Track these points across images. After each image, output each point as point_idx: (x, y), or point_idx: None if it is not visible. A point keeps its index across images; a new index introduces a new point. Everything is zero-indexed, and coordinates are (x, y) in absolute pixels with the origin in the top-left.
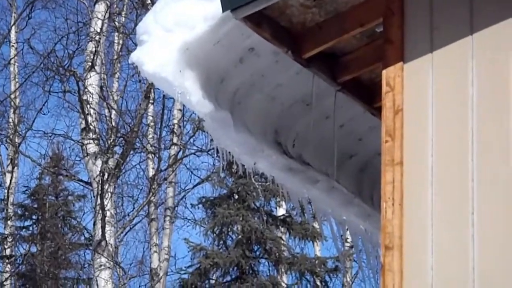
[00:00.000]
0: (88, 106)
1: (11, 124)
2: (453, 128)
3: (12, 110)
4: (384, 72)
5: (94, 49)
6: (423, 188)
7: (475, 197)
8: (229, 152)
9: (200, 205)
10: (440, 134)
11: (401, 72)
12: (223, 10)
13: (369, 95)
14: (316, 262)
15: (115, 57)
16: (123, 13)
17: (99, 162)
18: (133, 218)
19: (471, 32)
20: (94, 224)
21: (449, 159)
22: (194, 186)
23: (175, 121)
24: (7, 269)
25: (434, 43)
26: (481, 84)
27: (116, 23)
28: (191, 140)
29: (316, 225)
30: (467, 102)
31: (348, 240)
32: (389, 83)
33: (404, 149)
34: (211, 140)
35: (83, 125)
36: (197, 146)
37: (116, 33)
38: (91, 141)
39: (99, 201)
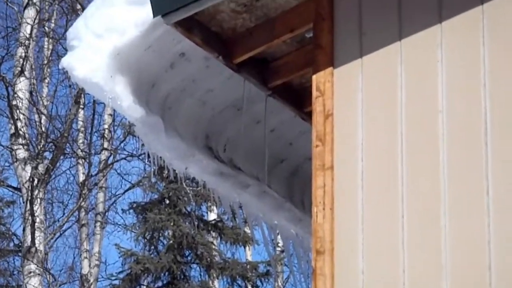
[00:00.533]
0: (18, 111)
1: None
2: (382, 133)
3: None
4: (314, 77)
5: (23, 54)
6: (354, 193)
7: (405, 200)
8: (160, 157)
9: (131, 210)
10: (370, 139)
11: (331, 77)
12: (154, 16)
13: (299, 100)
14: (248, 266)
15: (45, 62)
16: (53, 18)
17: (28, 168)
18: (63, 224)
19: (399, 37)
20: (24, 230)
21: (379, 164)
22: (125, 191)
23: (106, 126)
24: None
25: (363, 48)
26: (410, 89)
27: (46, 28)
28: (122, 145)
29: (247, 229)
30: (396, 106)
31: (280, 245)
32: (319, 88)
33: (334, 154)
34: (142, 145)
35: (12, 131)
36: (127, 151)
37: (46, 38)
38: (21, 146)
39: (28, 207)
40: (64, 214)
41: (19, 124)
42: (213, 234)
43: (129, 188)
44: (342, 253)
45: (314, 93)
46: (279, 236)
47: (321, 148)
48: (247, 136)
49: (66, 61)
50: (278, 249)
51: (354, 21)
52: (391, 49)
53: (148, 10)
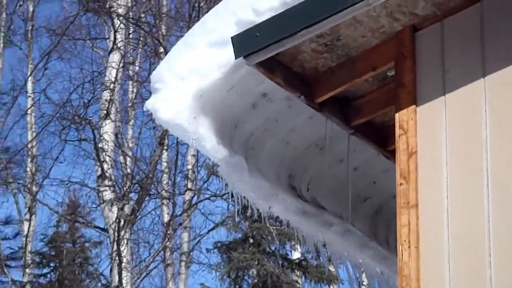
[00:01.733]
0: (104, 153)
1: (29, 173)
2: (468, 170)
3: (29, 159)
4: (397, 115)
5: (109, 98)
6: (439, 231)
7: (491, 239)
8: (244, 197)
9: (215, 250)
10: (455, 177)
11: (414, 115)
12: (236, 57)
13: (382, 138)
14: None
15: (130, 105)
16: (136, 62)
17: (115, 209)
18: (149, 264)
19: (483, 74)
20: (111, 270)
21: (464, 202)
22: (209, 230)
23: (189, 167)
24: None
25: (446, 86)
26: (495, 126)
27: (130, 71)
28: (205, 185)
29: (331, 268)
30: (482, 144)
31: (364, 283)
32: (402, 126)
33: (419, 192)
34: (226, 185)
35: (99, 173)
36: (211, 191)
37: (130, 82)
38: (107, 188)
39: (115, 248)
40: (150, 254)
41: (105, 166)
42: (298, 273)
43: (213, 228)
44: None
45: (398, 131)
46: (364, 275)
47: (405, 186)
48: (330, 175)
49: (150, 104)
50: (363, 287)
51: (437, 58)
52: (475, 87)
53: (230, 51)
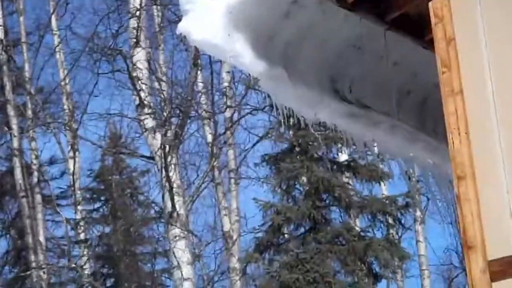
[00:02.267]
0: (139, 82)
1: (66, 110)
2: (508, 50)
3: (65, 97)
4: (430, 4)
5: (136, 25)
6: (487, 114)
7: None
8: (289, 107)
9: (264, 163)
10: (496, 58)
11: (447, 2)
12: None
13: (418, 29)
14: (386, 201)
15: (157, 29)
16: None
17: (158, 136)
18: (200, 186)
19: None
20: (163, 197)
21: (509, 81)
22: (254, 144)
23: (226, 84)
24: (84, 252)
25: None
26: None
27: None
28: (244, 100)
29: (380, 165)
30: None
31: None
32: (437, 14)
33: (462, 78)
34: (266, 97)
35: (137, 102)
36: (251, 105)
37: (155, 6)
38: (147, 116)
39: (164, 174)
40: (198, 175)
41: (142, 94)
42: (347, 174)
43: (258, 141)
44: (483, 175)
45: (433, 20)
46: (416, 167)
47: (448, 73)
48: (371, 73)
49: (182, 27)
50: (414, 179)
51: None
52: None
53: None
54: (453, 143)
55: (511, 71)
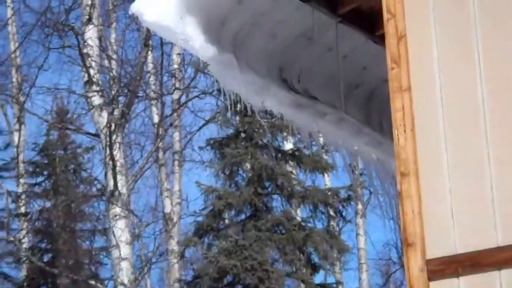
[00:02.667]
0: (89, 59)
1: (15, 83)
2: (457, 48)
3: (14, 70)
4: None
5: (90, 2)
6: (434, 112)
7: (486, 114)
8: (236, 94)
9: (208, 147)
10: (446, 56)
11: None
12: None
13: (370, 24)
14: (329, 193)
15: (111, 7)
16: None
17: (104, 114)
18: (143, 166)
19: None
20: (105, 175)
21: (456, 79)
22: (200, 128)
23: (176, 66)
24: (23, 226)
25: None
26: (482, 2)
27: None
28: (193, 83)
29: (325, 156)
30: (470, 19)
31: (360, 169)
32: (389, 10)
33: (411, 75)
34: (217, 81)
35: (86, 78)
36: (199, 89)
37: None
38: (95, 93)
39: (108, 152)
40: (142, 156)
41: (91, 71)
42: (291, 163)
43: (204, 125)
44: (427, 173)
45: (385, 15)
46: (359, 161)
47: (397, 70)
48: (320, 65)
49: (135, 7)
50: (357, 173)
51: None
52: None
53: None
54: (398, 139)
55: (459, 71)
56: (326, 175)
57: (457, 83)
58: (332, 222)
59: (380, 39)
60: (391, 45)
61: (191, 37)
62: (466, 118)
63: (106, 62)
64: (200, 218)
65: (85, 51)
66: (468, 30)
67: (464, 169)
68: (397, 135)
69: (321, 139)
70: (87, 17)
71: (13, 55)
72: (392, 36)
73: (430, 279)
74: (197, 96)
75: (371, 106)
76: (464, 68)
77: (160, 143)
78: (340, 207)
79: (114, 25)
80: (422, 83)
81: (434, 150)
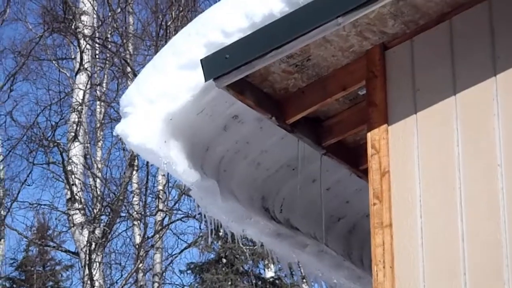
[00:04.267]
0: (73, 176)
1: None
2: (440, 189)
3: None
4: (368, 134)
5: (77, 120)
6: (414, 250)
7: (466, 257)
8: (217, 220)
9: (189, 271)
10: (428, 195)
11: (386, 134)
12: (206, 79)
13: (354, 157)
14: None
15: (98, 126)
16: (104, 82)
17: (85, 232)
18: (122, 286)
19: (454, 92)
20: None
21: (438, 221)
22: (181, 251)
23: (160, 187)
24: None
25: (417, 104)
26: (467, 144)
27: (98, 92)
28: (177, 205)
29: (305, 286)
30: (454, 162)
31: None
32: (374, 145)
33: (392, 211)
34: (198, 206)
35: (68, 196)
36: (183, 211)
37: (98, 102)
38: (77, 211)
39: (87, 271)
40: (122, 276)
41: (74, 189)
42: None
43: (185, 248)
44: None
45: (370, 150)
46: None
47: (379, 206)
48: (303, 196)
49: (120, 128)
50: None
51: (407, 77)
52: (446, 104)
53: (199, 74)
54: (377, 275)
55: (441, 211)
56: None
57: (438, 222)
58: None
59: (364, 174)
60: (374, 180)
61: (175, 161)
62: (446, 259)
63: (90, 180)
64: None
65: (69, 168)
66: (452, 171)
67: None
68: (376, 271)
69: (300, 269)
70: (73, 134)
71: None
72: (375, 172)
73: None
74: (180, 219)
75: (352, 240)
76: (446, 208)
77: (141, 264)
78: None
79: (100, 143)
80: (403, 221)
81: None
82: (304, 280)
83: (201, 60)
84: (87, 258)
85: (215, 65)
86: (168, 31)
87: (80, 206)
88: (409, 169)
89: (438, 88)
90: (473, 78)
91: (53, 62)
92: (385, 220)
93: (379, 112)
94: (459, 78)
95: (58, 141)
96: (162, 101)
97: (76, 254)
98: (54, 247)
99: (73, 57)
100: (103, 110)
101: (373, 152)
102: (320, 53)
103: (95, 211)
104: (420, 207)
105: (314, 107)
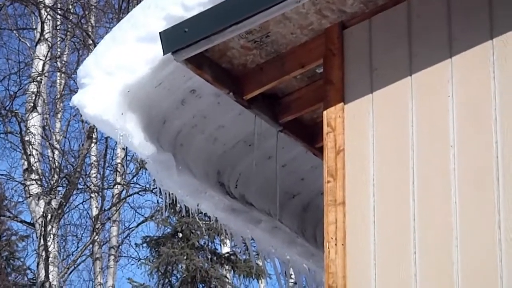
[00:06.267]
0: (31, 147)
1: None
2: (394, 168)
3: None
4: (325, 112)
5: (36, 90)
6: (366, 228)
7: (416, 236)
8: (173, 194)
9: (145, 244)
10: (382, 174)
11: (342, 113)
12: (164, 53)
13: (310, 135)
14: None
15: (58, 97)
16: (65, 53)
17: (42, 203)
18: (77, 258)
19: (410, 73)
20: (38, 265)
21: (390, 199)
22: (138, 224)
23: (118, 160)
24: None
25: (374, 84)
26: (421, 124)
27: (58, 63)
28: (135, 179)
29: (260, 262)
30: (408, 141)
31: (292, 277)
32: (330, 123)
33: (346, 190)
34: (153, 180)
35: (25, 166)
36: (140, 185)
37: (58, 74)
38: (34, 182)
39: (42, 242)
40: (77, 248)
41: (32, 159)
42: (227, 267)
43: (142, 222)
44: None
45: (325, 128)
46: (291, 270)
47: (333, 183)
48: (259, 172)
49: (77, 99)
50: (291, 281)
51: (365, 56)
52: (402, 85)
53: (158, 47)
54: (329, 252)
55: (394, 190)
56: (260, 281)
57: (390, 201)
58: None
59: (320, 151)
60: (328, 158)
61: (131, 133)
62: (397, 238)
63: (48, 151)
64: None
65: (27, 138)
66: (406, 151)
67: (390, 287)
68: (328, 248)
69: (254, 245)
70: (31, 104)
71: None
72: (330, 150)
73: None
74: (137, 193)
75: (306, 218)
76: (399, 186)
77: (97, 237)
78: None
79: (60, 114)
80: (356, 199)
81: (364, 266)
82: (257, 256)
83: (160, 33)
84: (43, 229)
85: (174, 39)
86: (130, 4)
87: (37, 177)
88: (364, 147)
89: (394, 68)
90: (429, 59)
91: (14, 31)
92: (338, 198)
93: (335, 90)
94: (415, 58)
95: (16, 111)
96: (120, 73)
97: (32, 225)
98: (9, 217)
99: (34, 27)
100: (63, 81)
101: (329, 130)
102: (279, 30)
103: (52, 182)
104: (373, 186)
105: (272, 84)
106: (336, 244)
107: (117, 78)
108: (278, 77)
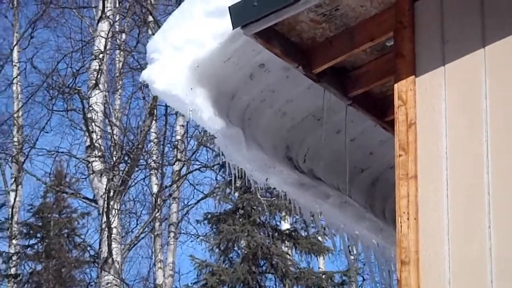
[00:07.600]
0: (93, 124)
1: (15, 143)
2: (467, 142)
3: (15, 129)
4: (396, 86)
5: (97, 67)
6: (439, 202)
7: (491, 210)
8: (241, 169)
9: (205, 221)
10: (455, 148)
11: (413, 86)
12: (234, 27)
13: (380, 108)
14: (323, 276)
15: (117, 74)
16: (125, 31)
17: (104, 180)
18: (139, 235)
19: (483, 44)
20: (100, 241)
21: (464, 172)
22: (198, 201)
23: (178, 137)
24: None
25: (446, 56)
26: (495, 97)
27: (118, 40)
28: (194, 155)
29: (321, 238)
30: (481, 114)
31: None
32: (401, 96)
33: (418, 163)
34: (218, 155)
35: (87, 143)
36: (200, 162)
37: (118, 51)
38: (97, 158)
39: (105, 219)
40: (137, 224)
41: (94, 136)
42: (288, 244)
43: (202, 198)
44: (427, 263)
45: (396, 102)
46: (359, 246)
47: (404, 157)
48: (327, 146)
49: (146, 74)
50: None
51: (436, 28)
52: (475, 57)
53: (227, 21)
54: (401, 227)
55: (467, 162)
56: (321, 258)
57: (464, 174)
58: None
59: (389, 125)
60: (400, 132)
61: (200, 108)
62: (471, 211)
63: (109, 128)
64: None
65: (89, 115)
66: (479, 124)
67: (465, 262)
68: (400, 222)
69: (322, 220)
70: (93, 82)
71: (16, 115)
72: (401, 123)
73: None
74: (198, 169)
75: (375, 192)
76: (473, 160)
77: (157, 214)
78: None
79: (120, 92)
80: (429, 172)
81: (436, 241)
82: (324, 231)
83: (229, 7)
84: (106, 205)
85: (243, 13)
86: None
87: (99, 154)
88: (436, 121)
89: (467, 40)
90: (502, 31)
91: (74, 10)
92: (410, 171)
93: (406, 63)
94: (488, 30)
95: (78, 88)
96: (188, 48)
97: (94, 201)
98: (72, 193)
99: (94, 5)
100: (122, 59)
101: (400, 104)
102: (349, 3)
103: (114, 159)
104: (446, 159)
105: (341, 57)
106: (408, 219)
107: (185, 53)
108: (348, 50)
